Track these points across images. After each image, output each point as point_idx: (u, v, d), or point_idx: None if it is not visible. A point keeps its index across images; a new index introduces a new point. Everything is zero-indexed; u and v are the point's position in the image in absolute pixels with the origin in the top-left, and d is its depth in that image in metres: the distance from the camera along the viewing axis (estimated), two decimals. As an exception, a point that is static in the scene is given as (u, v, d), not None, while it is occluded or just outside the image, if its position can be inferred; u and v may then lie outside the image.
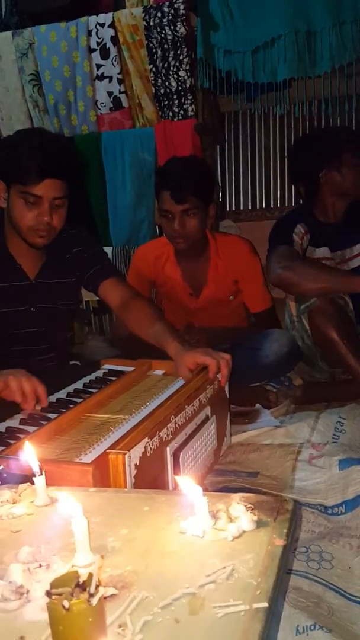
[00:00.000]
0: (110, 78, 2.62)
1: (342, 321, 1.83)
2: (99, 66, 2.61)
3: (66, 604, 0.51)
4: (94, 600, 0.52)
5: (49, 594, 0.53)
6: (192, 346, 1.47)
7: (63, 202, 1.51)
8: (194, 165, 1.98)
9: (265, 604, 0.58)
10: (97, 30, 2.56)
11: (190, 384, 1.32)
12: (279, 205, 3.21)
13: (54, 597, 0.52)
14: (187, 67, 2.50)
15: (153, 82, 2.57)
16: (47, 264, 1.64)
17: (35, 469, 0.82)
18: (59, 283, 1.66)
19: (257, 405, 1.84)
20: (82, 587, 0.53)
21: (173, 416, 1.16)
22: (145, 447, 1.03)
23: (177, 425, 1.18)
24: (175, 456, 1.13)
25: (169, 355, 1.45)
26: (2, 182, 1.51)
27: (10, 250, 1.59)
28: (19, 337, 1.62)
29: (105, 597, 0.59)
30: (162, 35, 2.47)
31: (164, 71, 2.53)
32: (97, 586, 0.53)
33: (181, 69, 2.50)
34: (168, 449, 1.12)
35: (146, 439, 1.04)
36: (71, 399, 1.35)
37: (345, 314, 1.88)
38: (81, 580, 0.54)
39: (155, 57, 2.52)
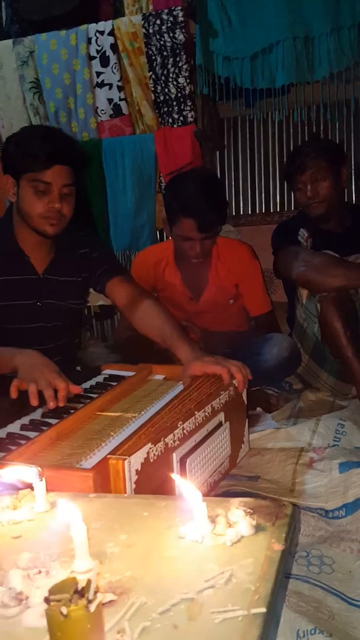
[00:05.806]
0: (110, 85, 2.63)
1: (348, 313, 1.84)
2: (98, 73, 2.63)
3: (64, 610, 0.51)
4: (92, 607, 0.52)
5: (47, 600, 0.53)
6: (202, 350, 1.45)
7: (71, 191, 1.54)
8: (216, 191, 1.96)
9: (264, 609, 0.58)
10: (97, 38, 2.58)
11: (200, 390, 1.30)
12: (278, 210, 3.22)
13: (52, 603, 0.53)
14: (187, 74, 2.50)
15: (152, 88, 2.58)
16: (56, 260, 1.66)
17: (31, 479, 0.82)
18: (66, 280, 1.68)
19: (258, 409, 1.84)
20: (81, 593, 0.53)
21: (181, 422, 1.15)
22: (148, 452, 1.03)
23: (185, 431, 1.16)
24: (182, 462, 1.12)
25: (177, 358, 1.45)
26: (10, 177, 1.54)
27: (19, 244, 1.61)
28: (25, 332, 1.63)
29: (103, 603, 0.59)
30: (162, 42, 2.48)
31: (163, 78, 2.54)
32: (95, 592, 0.54)
33: (180, 75, 2.51)
34: (174, 455, 1.11)
35: (149, 445, 1.03)
36: (72, 404, 1.35)
37: (353, 305, 1.89)
38: (79, 586, 0.54)
39: (154, 64, 2.54)
